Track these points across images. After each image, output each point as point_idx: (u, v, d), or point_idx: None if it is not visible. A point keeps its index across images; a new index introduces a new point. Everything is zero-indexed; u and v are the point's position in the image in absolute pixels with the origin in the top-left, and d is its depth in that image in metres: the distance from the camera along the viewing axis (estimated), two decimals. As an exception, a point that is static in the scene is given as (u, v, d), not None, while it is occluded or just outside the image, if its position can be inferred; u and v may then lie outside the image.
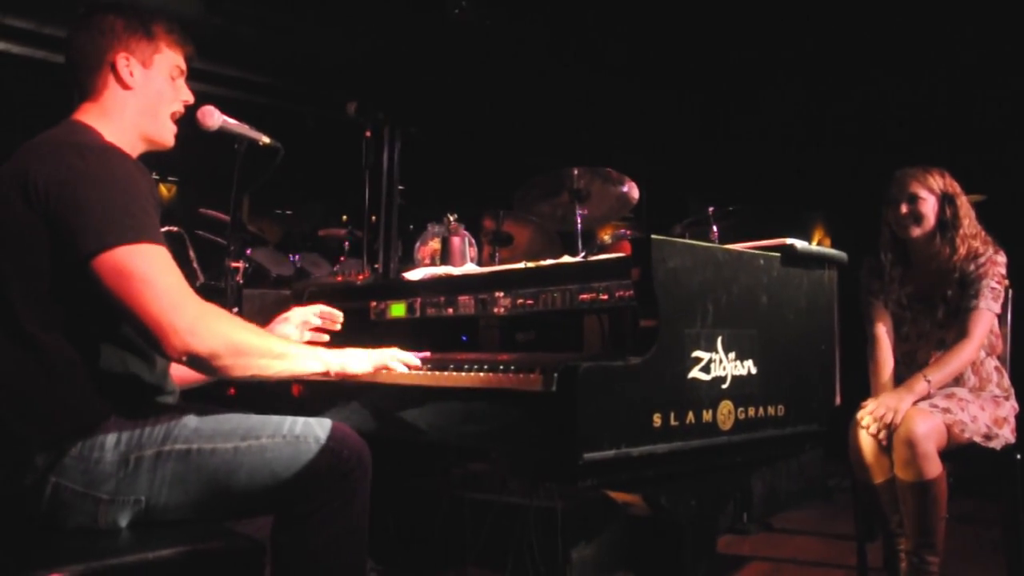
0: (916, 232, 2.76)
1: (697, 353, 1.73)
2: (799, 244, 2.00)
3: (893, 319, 2.85)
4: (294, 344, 1.70)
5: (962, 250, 2.74)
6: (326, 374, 1.74)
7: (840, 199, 5.94)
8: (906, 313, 2.83)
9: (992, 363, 2.78)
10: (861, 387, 2.77)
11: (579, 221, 3.32)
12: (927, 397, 2.59)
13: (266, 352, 1.58)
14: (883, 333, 2.81)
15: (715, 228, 3.68)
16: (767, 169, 6.47)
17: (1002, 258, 2.73)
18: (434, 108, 5.81)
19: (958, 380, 2.72)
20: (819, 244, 6.99)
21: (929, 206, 2.76)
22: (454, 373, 1.82)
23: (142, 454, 1.58)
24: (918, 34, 5.31)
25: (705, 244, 1.84)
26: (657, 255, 1.71)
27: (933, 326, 2.77)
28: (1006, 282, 2.79)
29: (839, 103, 6.02)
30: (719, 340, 1.78)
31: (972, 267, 2.71)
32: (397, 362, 1.87)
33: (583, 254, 2.59)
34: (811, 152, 6.25)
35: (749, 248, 1.97)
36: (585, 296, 2.02)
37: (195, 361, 1.49)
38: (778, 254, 1.98)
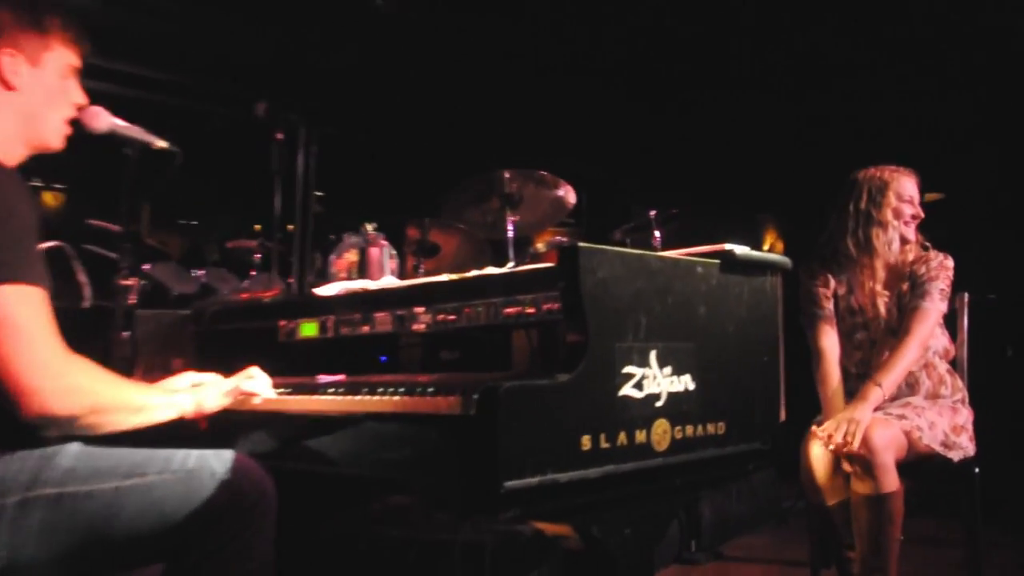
0: (912, 234, 2.87)
1: (629, 369, 1.75)
2: (739, 249, 2.03)
3: (845, 326, 2.92)
4: (155, 394, 1.70)
5: (915, 253, 2.85)
6: (182, 419, 1.75)
7: (793, 200, 6.09)
8: (858, 319, 2.90)
9: (944, 366, 2.88)
10: (809, 401, 2.83)
11: (511, 228, 3.33)
12: (880, 408, 2.67)
13: (123, 407, 1.60)
14: (828, 345, 2.88)
15: (657, 233, 3.73)
16: (715, 170, 6.60)
17: (951, 262, 2.84)
18: (354, 108, 5.77)
19: (912, 387, 2.80)
20: (771, 248, 7.17)
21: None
22: (367, 397, 1.81)
23: (3, 502, 1.52)
24: (868, 32, 5.48)
25: (637, 252, 1.86)
26: (585, 264, 1.73)
27: (888, 332, 2.84)
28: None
29: (791, 101, 6.17)
30: (653, 354, 1.80)
31: (924, 270, 2.80)
32: (249, 381, 1.86)
33: (512, 264, 2.60)
34: (762, 152, 6.39)
35: (685, 255, 2.00)
36: (511, 310, 2.02)
37: (49, 422, 1.49)
38: (717, 261, 2.01)
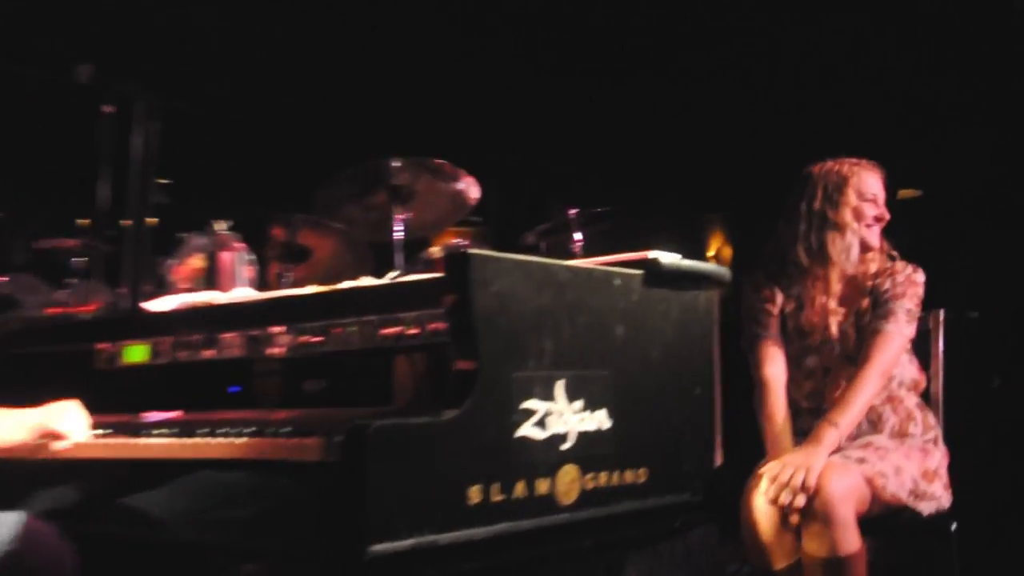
0: (877, 241, 2.94)
1: (530, 403, 1.76)
2: (666, 258, 2.07)
3: (794, 350, 2.97)
4: None
5: (879, 264, 2.92)
6: None
7: (746, 199, 6.23)
8: (809, 341, 2.96)
9: (913, 400, 2.95)
10: (753, 441, 2.87)
11: (400, 229, 3.32)
12: (837, 450, 2.72)
13: None
14: (774, 372, 2.92)
15: (578, 236, 3.77)
16: (652, 162, 6.69)
17: (922, 276, 2.92)
18: (207, 76, 5.68)
19: (874, 424, 2.87)
20: (717, 256, 7.30)
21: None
22: (206, 439, 1.78)
23: None
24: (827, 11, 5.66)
25: (543, 261, 1.88)
26: (477, 276, 1.73)
27: (843, 358, 2.91)
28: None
29: (744, 81, 6.30)
30: (560, 385, 1.81)
31: (888, 285, 2.87)
32: (61, 416, 1.81)
33: (396, 274, 2.58)
34: (709, 141, 6.51)
35: (602, 264, 2.02)
36: (390, 331, 2.02)
37: None
38: (639, 272, 2.04)
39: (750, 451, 2.83)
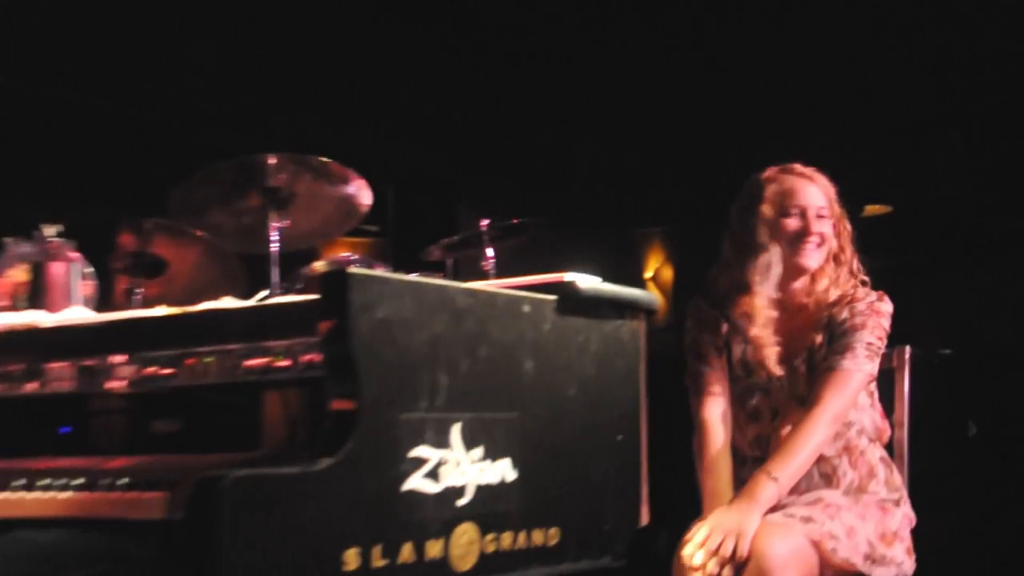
0: (814, 261, 2.98)
1: (420, 451, 1.78)
2: (584, 281, 2.11)
3: (738, 389, 3.03)
4: None
5: (841, 290, 2.99)
6: None
7: (689, 211, 6.33)
8: (755, 379, 3.02)
9: (877, 452, 3.01)
10: (690, 496, 2.92)
11: (276, 239, 3.30)
12: (778, 507, 2.77)
13: None
14: (714, 415, 2.97)
15: (490, 252, 3.80)
16: (579, 170, 6.75)
17: (888, 306, 2.99)
18: (35, 46, 5.58)
19: (828, 478, 2.93)
20: (656, 276, 7.38)
21: (828, 226, 3.00)
22: (22, 494, 1.76)
23: None
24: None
25: (438, 283, 1.91)
26: (358, 299, 1.75)
27: (793, 399, 2.97)
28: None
29: (685, 81, 6.37)
30: (456, 430, 1.84)
31: (846, 314, 2.94)
32: None
33: (265, 294, 2.59)
34: (649, 144, 6.59)
35: (509, 288, 2.06)
36: (256, 362, 2.02)
37: None
38: (553, 297, 2.08)
39: (687, 507, 2.86)
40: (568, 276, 2.11)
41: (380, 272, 1.80)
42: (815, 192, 2.99)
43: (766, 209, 2.97)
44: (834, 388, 2.84)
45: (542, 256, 3.60)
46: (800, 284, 3.00)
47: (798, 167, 3.04)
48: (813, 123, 6.32)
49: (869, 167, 6.22)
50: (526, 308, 2.03)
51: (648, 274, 6.97)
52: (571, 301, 2.11)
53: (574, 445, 2.07)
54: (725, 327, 3.05)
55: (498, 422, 1.93)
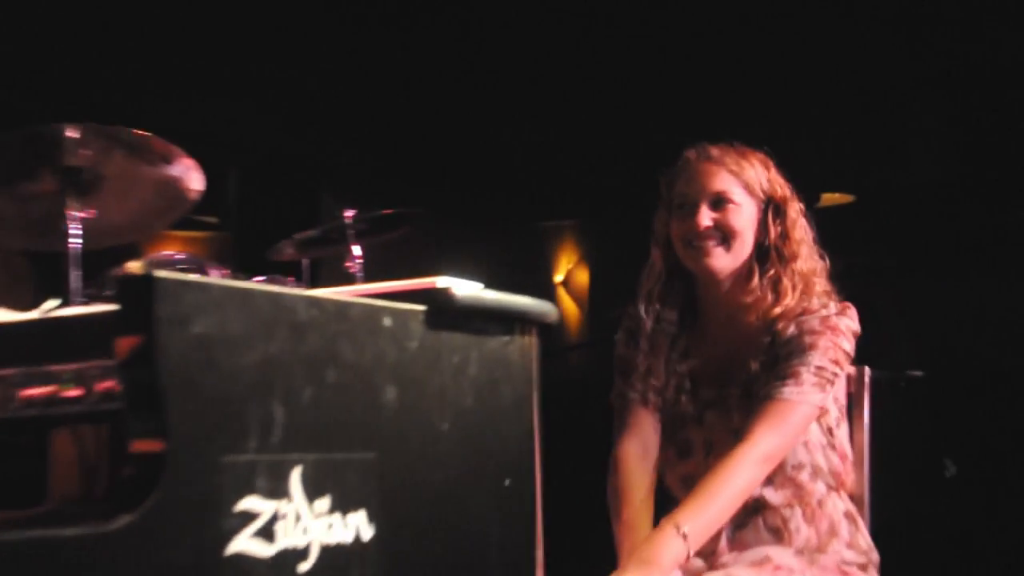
0: (721, 263, 2.97)
1: (249, 503, 1.74)
2: (461, 288, 2.07)
3: (667, 419, 3.02)
4: None
5: (789, 299, 2.98)
6: None
7: (610, 200, 6.33)
8: (688, 408, 3.01)
9: (840, 504, 3.01)
10: (601, 557, 2.90)
11: (76, 232, 3.23)
12: (717, 565, 2.76)
13: None
14: (634, 451, 2.97)
15: (357, 249, 3.79)
16: (473, 148, 6.74)
17: (851, 321, 2.98)
18: None
19: (777, 532, 2.93)
20: (567, 279, 7.36)
21: (745, 216, 2.98)
22: None
23: None
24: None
25: (274, 290, 1.86)
26: (168, 311, 1.70)
27: (730, 432, 2.96)
28: (846, 369, 3.03)
29: (606, 46, 6.40)
30: (295, 476, 1.80)
31: (793, 331, 2.94)
32: None
33: (55, 304, 2.51)
34: (559, 119, 6.61)
35: (367, 297, 2.02)
36: (37, 391, 1.98)
37: None
38: (422, 307, 2.04)
39: (604, 563, 2.85)
40: (441, 281, 2.06)
41: (197, 278, 1.74)
42: (715, 175, 2.97)
43: (675, 198, 2.99)
44: (769, 422, 2.83)
45: (424, 256, 3.56)
46: (730, 294, 3.00)
47: (704, 147, 3.03)
48: (760, 94, 6.37)
49: (826, 147, 6.29)
50: (387, 321, 1.99)
51: (558, 277, 6.95)
52: (445, 313, 2.07)
53: (448, 493, 2.03)
54: (656, 345, 3.05)
55: (350, 465, 1.89)
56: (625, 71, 6.50)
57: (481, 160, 6.77)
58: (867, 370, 3.22)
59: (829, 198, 6.50)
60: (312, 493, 1.82)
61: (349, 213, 3.87)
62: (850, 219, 6.30)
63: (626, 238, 3.42)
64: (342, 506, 1.86)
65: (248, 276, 3.03)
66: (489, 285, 2.24)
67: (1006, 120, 6.42)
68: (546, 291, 7.50)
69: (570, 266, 7.01)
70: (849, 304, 2.98)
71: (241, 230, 5.68)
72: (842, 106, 6.56)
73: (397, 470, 1.96)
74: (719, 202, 2.92)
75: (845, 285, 3.09)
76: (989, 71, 6.18)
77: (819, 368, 2.87)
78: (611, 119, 6.65)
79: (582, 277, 7.11)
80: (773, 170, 3.03)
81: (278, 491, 1.78)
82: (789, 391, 2.84)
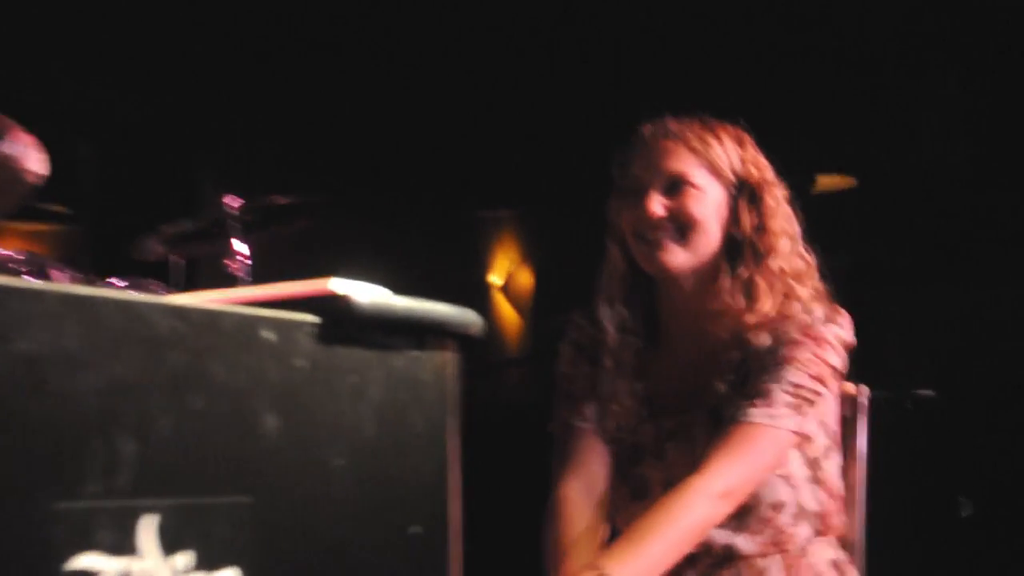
0: (676, 260, 2.98)
1: (87, 561, 1.71)
2: (361, 294, 2.07)
3: (621, 452, 3.04)
4: None
5: (765, 305, 3.00)
6: None
7: (560, 189, 6.33)
8: (645, 439, 3.03)
9: (826, 553, 3.05)
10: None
11: None
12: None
13: None
14: (576, 492, 2.99)
15: (241, 246, 3.82)
16: (388, 122, 6.74)
17: (841, 330, 3.00)
18: None
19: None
20: (508, 283, 7.34)
21: (709, 203, 3.00)
22: None
23: None
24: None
25: (121, 298, 1.84)
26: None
27: (692, 465, 2.97)
28: (833, 388, 3.04)
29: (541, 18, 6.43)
30: (148, 526, 1.78)
31: (768, 342, 2.96)
32: None
33: None
34: (500, 87, 6.62)
35: (244, 304, 2.00)
36: None
37: None
38: (312, 318, 2.03)
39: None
40: (336, 285, 2.05)
41: (28, 281, 1.72)
42: (672, 153, 2.99)
43: (615, 189, 3.00)
44: (730, 450, 2.84)
45: (327, 256, 3.52)
46: (694, 299, 3.01)
47: (662, 121, 3.04)
48: (744, 57, 6.41)
49: (823, 121, 6.31)
50: (269, 335, 1.97)
51: (495, 279, 6.91)
52: (341, 324, 2.06)
53: (342, 544, 2.02)
54: (611, 359, 3.06)
55: (220, 512, 1.86)
56: (579, 24, 6.53)
57: (397, 137, 6.76)
58: (865, 389, 3.24)
59: (826, 182, 6.52)
60: (171, 547, 1.79)
61: (233, 202, 3.86)
62: (852, 208, 6.33)
63: (580, 232, 3.43)
64: (209, 562, 1.84)
65: (102, 279, 3.01)
66: (408, 289, 2.24)
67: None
68: (480, 295, 7.47)
69: (511, 266, 7.01)
70: (840, 310, 3.00)
71: (97, 222, 5.63)
72: (842, 72, 6.60)
73: (279, 517, 1.94)
74: (675, 186, 2.94)
75: (843, 288, 3.11)
76: (1015, 30, 6.23)
77: (795, 386, 2.88)
78: (563, 83, 6.67)
79: (525, 279, 7.12)
80: (750, 148, 3.04)
81: (125, 545, 1.75)
82: (757, 413, 2.86)
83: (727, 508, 2.86)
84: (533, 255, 7.05)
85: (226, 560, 1.86)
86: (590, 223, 3.23)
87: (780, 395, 2.88)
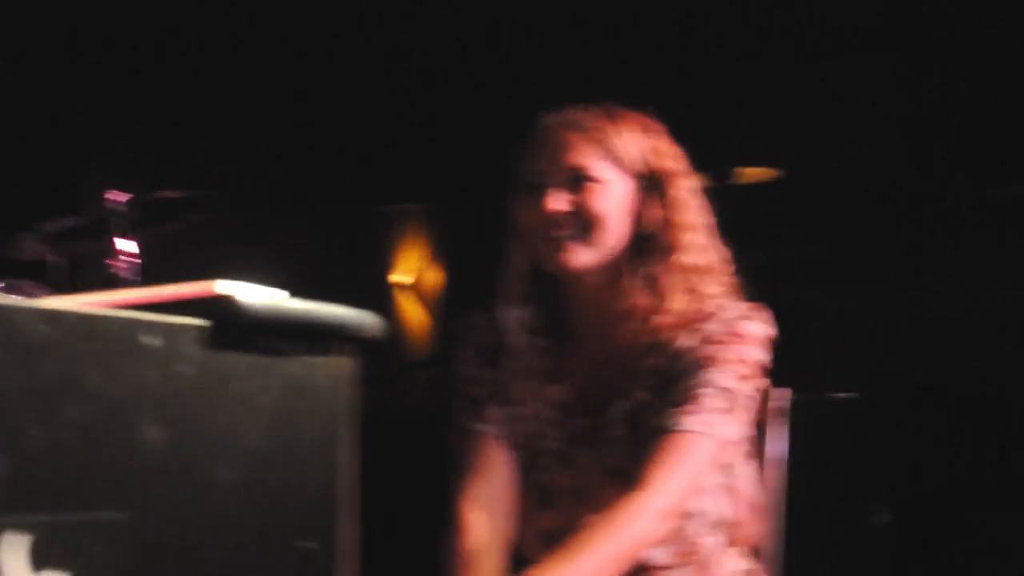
0: (580, 259, 2.95)
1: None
2: (250, 296, 2.03)
3: (527, 459, 3.01)
4: None
5: (674, 303, 2.98)
6: None
7: (469, 179, 6.31)
8: (553, 445, 3.00)
9: (738, 564, 3.04)
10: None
11: None
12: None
13: None
14: (481, 502, 2.96)
15: (127, 244, 3.75)
16: (287, 110, 6.71)
17: (763, 327, 2.99)
18: None
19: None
20: (418, 283, 7.32)
21: (614, 198, 2.97)
22: None
23: None
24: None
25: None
26: None
27: (606, 473, 2.96)
28: (764, 382, 3.05)
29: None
30: (15, 545, 1.73)
31: (690, 343, 2.94)
32: None
33: None
34: (403, 73, 6.60)
35: (123, 307, 1.96)
36: None
37: None
38: (197, 321, 1.99)
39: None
40: (223, 287, 2.01)
41: None
42: (573, 146, 2.97)
43: (518, 184, 2.98)
44: (668, 462, 2.83)
45: (221, 253, 3.46)
46: (600, 299, 2.99)
47: (564, 111, 3.02)
48: (667, 47, 6.41)
49: (744, 109, 6.32)
50: (150, 339, 1.92)
51: (404, 277, 6.89)
52: (229, 328, 2.01)
53: (229, 562, 1.99)
54: (514, 364, 3.04)
55: (96, 529, 1.81)
56: (494, 7, 6.53)
57: (296, 128, 6.73)
58: (784, 393, 3.23)
59: (748, 174, 6.53)
60: (40, 567, 1.75)
61: (118, 197, 3.79)
62: (773, 201, 6.34)
63: (494, 228, 3.41)
64: (85, 586, 1.78)
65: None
66: (308, 290, 2.22)
67: (967, 81, 6.51)
68: (387, 295, 7.46)
69: (418, 264, 6.99)
70: (760, 305, 2.99)
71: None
72: (768, 62, 6.61)
73: (160, 534, 1.90)
74: (577, 180, 2.91)
75: (761, 285, 3.10)
76: (945, 16, 6.26)
77: (725, 390, 2.87)
78: (474, 70, 6.67)
79: (435, 277, 7.10)
80: (657, 137, 3.03)
81: (-12, 567, 1.71)
82: (691, 422, 2.84)
83: (668, 524, 2.85)
84: (444, 252, 7.03)
85: (99, 583, 1.81)
86: (505, 218, 3.20)
87: (711, 400, 2.87)
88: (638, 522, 2.78)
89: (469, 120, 6.61)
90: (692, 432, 2.85)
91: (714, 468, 2.98)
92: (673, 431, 2.85)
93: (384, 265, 6.88)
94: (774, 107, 6.53)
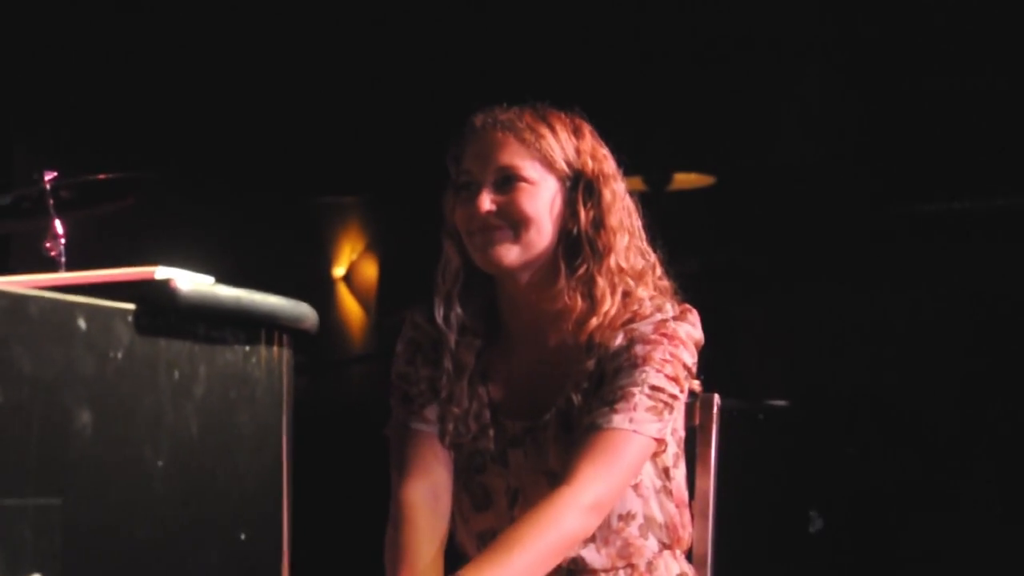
0: (509, 256, 2.95)
1: None
2: (187, 282, 2.02)
3: (462, 459, 3.00)
4: None
5: (608, 306, 2.97)
6: None
7: (407, 172, 6.29)
8: (487, 445, 2.99)
9: (675, 567, 3.04)
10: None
11: None
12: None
13: None
14: (419, 498, 2.95)
15: (57, 225, 3.72)
16: (225, 93, 6.67)
17: (691, 328, 2.99)
18: None
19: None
20: (350, 274, 7.31)
21: (542, 199, 2.96)
22: None
23: None
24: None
25: None
26: None
27: (541, 474, 2.95)
28: (694, 383, 3.05)
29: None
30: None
31: (621, 342, 2.94)
32: None
33: None
34: (338, 60, 6.57)
35: (54, 289, 1.94)
36: None
37: None
38: (131, 306, 1.98)
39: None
40: (161, 272, 2.00)
41: None
42: (502, 146, 2.97)
43: (450, 183, 2.98)
44: (598, 459, 2.82)
45: (154, 239, 3.44)
46: (533, 298, 2.98)
47: (493, 111, 3.02)
48: (602, 50, 6.40)
49: (679, 115, 6.32)
50: (83, 323, 1.91)
51: (339, 271, 6.86)
52: (164, 313, 2.01)
53: (162, 552, 1.98)
54: (451, 363, 3.02)
55: (25, 514, 1.80)
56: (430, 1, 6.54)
57: (233, 113, 6.69)
58: (716, 398, 3.22)
59: (682, 179, 6.54)
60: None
61: (50, 175, 3.78)
62: (707, 207, 6.34)
63: (429, 221, 3.40)
64: (12, 569, 1.77)
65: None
66: (243, 279, 2.21)
67: (899, 91, 6.54)
68: (321, 287, 7.43)
69: (354, 256, 6.97)
70: (689, 307, 2.99)
71: None
72: (699, 65, 6.62)
73: (91, 521, 1.88)
74: (507, 180, 2.92)
75: (694, 290, 3.10)
76: (878, 28, 6.29)
77: (654, 388, 2.87)
78: (410, 62, 6.65)
79: (369, 270, 7.07)
80: (587, 138, 3.03)
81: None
82: (620, 419, 2.83)
83: (596, 520, 2.84)
84: (377, 245, 7.00)
85: (31, 566, 1.79)
86: (440, 212, 3.19)
87: (640, 399, 2.86)
88: (566, 518, 2.77)
89: (405, 112, 6.58)
90: (621, 430, 2.84)
91: (650, 470, 2.98)
92: (603, 429, 2.84)
93: (323, 256, 6.84)
94: (708, 113, 6.54)
